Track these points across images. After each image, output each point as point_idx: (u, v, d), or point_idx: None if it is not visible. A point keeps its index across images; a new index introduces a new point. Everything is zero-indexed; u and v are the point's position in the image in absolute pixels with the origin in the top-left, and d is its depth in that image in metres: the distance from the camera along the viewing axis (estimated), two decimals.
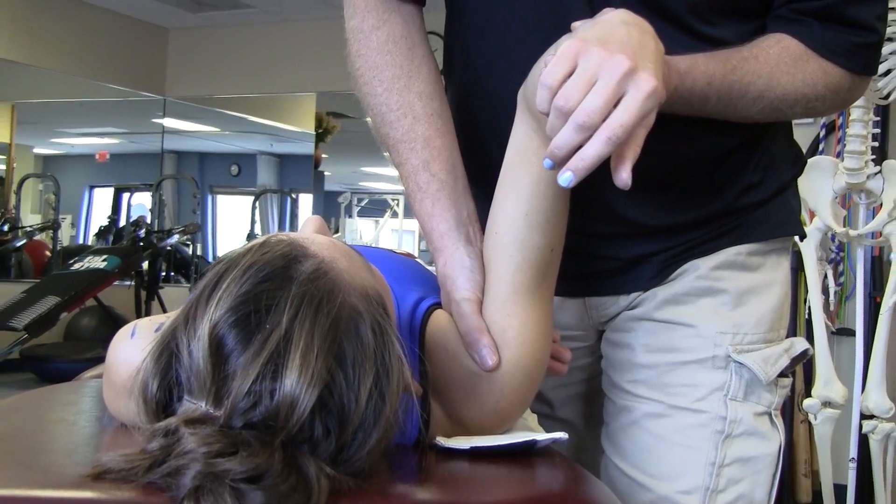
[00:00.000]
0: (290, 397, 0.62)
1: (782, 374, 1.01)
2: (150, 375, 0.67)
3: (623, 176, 0.74)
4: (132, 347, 0.78)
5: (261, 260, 0.67)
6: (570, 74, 0.74)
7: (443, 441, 0.79)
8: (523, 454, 0.78)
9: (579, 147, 0.73)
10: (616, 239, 1.02)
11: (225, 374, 0.63)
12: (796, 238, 1.10)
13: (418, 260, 1.02)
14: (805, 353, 1.04)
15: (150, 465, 0.61)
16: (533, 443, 0.78)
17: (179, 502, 0.59)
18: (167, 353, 0.66)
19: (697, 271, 1.02)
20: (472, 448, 0.76)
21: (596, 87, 0.72)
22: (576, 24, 0.80)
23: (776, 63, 0.91)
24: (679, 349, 1.01)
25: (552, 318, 0.90)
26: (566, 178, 0.74)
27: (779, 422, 1.03)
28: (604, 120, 0.72)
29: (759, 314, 1.02)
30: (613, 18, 0.79)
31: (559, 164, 0.75)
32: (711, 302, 1.01)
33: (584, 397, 1.16)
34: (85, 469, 0.63)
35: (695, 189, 1.01)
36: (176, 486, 0.60)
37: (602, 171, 0.75)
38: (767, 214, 1.03)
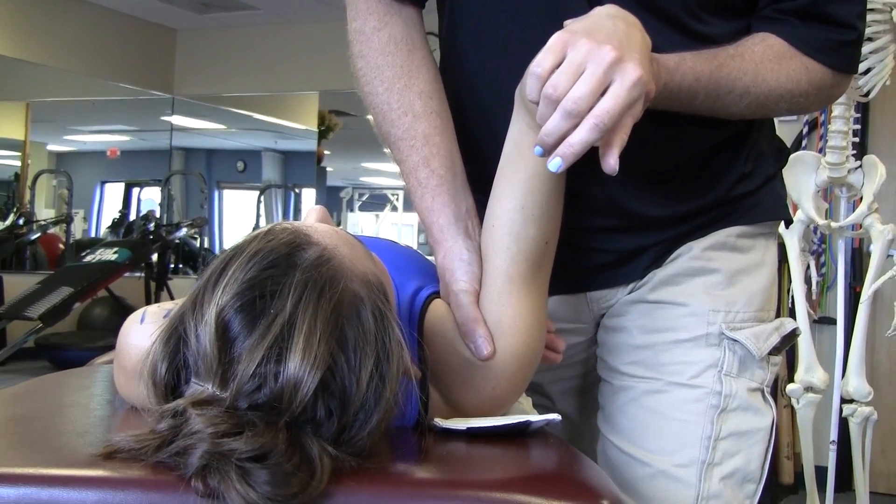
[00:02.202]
0: (293, 380, 0.63)
1: (773, 353, 1.03)
2: (160, 359, 0.68)
3: (611, 162, 0.76)
4: (142, 332, 0.80)
5: (266, 247, 0.69)
6: (559, 65, 0.76)
7: (440, 422, 0.80)
8: (518, 435, 0.80)
9: (568, 134, 0.75)
10: (615, 232, 1.04)
11: (231, 357, 0.65)
12: (781, 230, 1.12)
13: (418, 251, 1.04)
14: (794, 332, 1.06)
15: (159, 445, 0.63)
16: (527, 424, 0.79)
17: (187, 481, 0.61)
18: (175, 337, 0.68)
19: (690, 252, 1.04)
20: (468, 429, 0.78)
21: (583, 77, 0.75)
22: (567, 22, 0.82)
23: (761, 60, 0.93)
24: (673, 328, 1.03)
25: (546, 308, 0.92)
26: (555, 163, 0.76)
27: (770, 399, 1.05)
28: (591, 108, 0.75)
29: (750, 293, 1.04)
30: (600, 12, 0.81)
31: (549, 150, 0.77)
32: (704, 281, 1.03)
33: (580, 390, 1.18)
34: (97, 449, 0.65)
35: (693, 180, 1.03)
36: (184, 464, 0.61)
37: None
38: (758, 201, 1.06)
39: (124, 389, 0.85)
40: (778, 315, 1.08)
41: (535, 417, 0.80)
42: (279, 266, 0.68)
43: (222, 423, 0.62)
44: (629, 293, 1.06)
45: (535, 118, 0.79)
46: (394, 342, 0.69)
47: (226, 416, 0.63)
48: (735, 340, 1.01)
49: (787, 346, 1.07)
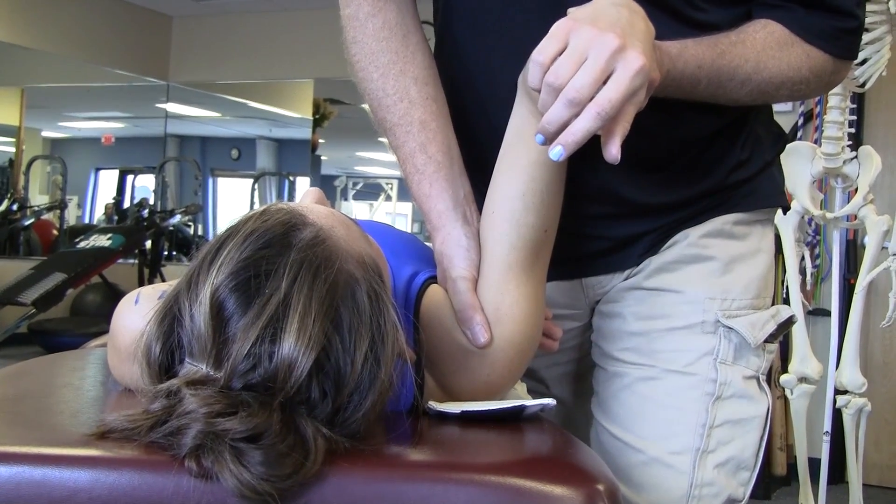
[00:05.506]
0: (288, 360, 0.63)
1: (769, 340, 1.03)
2: (154, 339, 0.68)
3: (612, 151, 0.76)
4: (136, 313, 0.80)
5: (261, 227, 0.68)
6: (562, 52, 0.76)
7: (435, 405, 0.80)
8: (513, 419, 0.80)
9: (570, 122, 0.75)
10: (611, 219, 1.03)
11: (225, 337, 0.65)
12: (777, 220, 1.12)
13: (415, 236, 1.04)
14: (791, 319, 1.06)
15: (153, 425, 0.63)
16: (522, 408, 0.79)
17: (181, 460, 0.61)
18: (170, 316, 0.68)
19: (687, 239, 1.04)
20: (462, 412, 0.78)
21: (586, 64, 0.74)
22: (571, 10, 0.82)
23: (762, 47, 0.93)
24: (669, 315, 1.02)
25: (544, 296, 0.91)
26: (556, 152, 0.76)
27: (766, 386, 1.05)
28: (593, 96, 0.74)
29: (746, 280, 1.04)
30: (604, 0, 0.81)
31: (550, 138, 0.76)
32: (700, 268, 1.03)
33: (575, 375, 1.18)
34: (90, 429, 0.65)
35: (688, 167, 1.03)
36: (177, 444, 0.61)
37: (599, 154, 0.77)
38: (754, 188, 1.06)
39: (118, 371, 0.85)
40: (773, 305, 1.08)
41: (530, 402, 0.80)
42: (274, 246, 0.67)
43: (216, 403, 0.62)
44: (624, 280, 1.06)
45: (537, 106, 0.78)
46: (389, 324, 0.69)
47: (220, 396, 0.63)
48: (730, 328, 1.01)
49: (783, 334, 1.07)
